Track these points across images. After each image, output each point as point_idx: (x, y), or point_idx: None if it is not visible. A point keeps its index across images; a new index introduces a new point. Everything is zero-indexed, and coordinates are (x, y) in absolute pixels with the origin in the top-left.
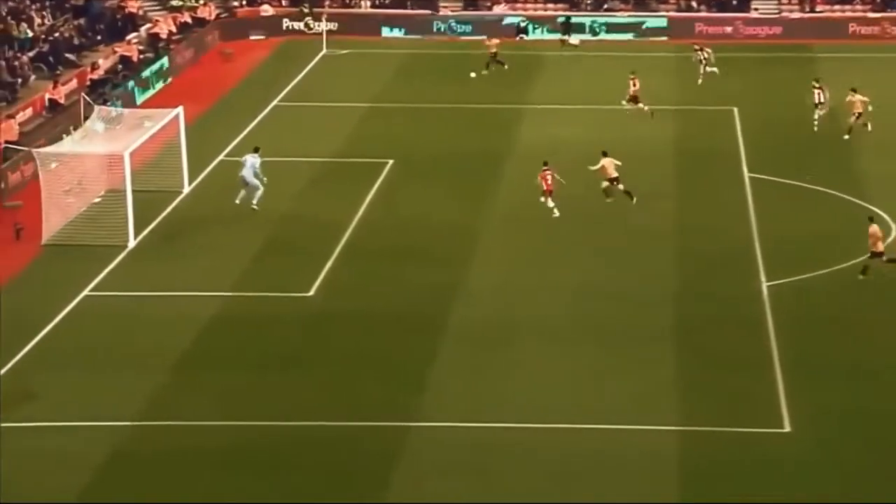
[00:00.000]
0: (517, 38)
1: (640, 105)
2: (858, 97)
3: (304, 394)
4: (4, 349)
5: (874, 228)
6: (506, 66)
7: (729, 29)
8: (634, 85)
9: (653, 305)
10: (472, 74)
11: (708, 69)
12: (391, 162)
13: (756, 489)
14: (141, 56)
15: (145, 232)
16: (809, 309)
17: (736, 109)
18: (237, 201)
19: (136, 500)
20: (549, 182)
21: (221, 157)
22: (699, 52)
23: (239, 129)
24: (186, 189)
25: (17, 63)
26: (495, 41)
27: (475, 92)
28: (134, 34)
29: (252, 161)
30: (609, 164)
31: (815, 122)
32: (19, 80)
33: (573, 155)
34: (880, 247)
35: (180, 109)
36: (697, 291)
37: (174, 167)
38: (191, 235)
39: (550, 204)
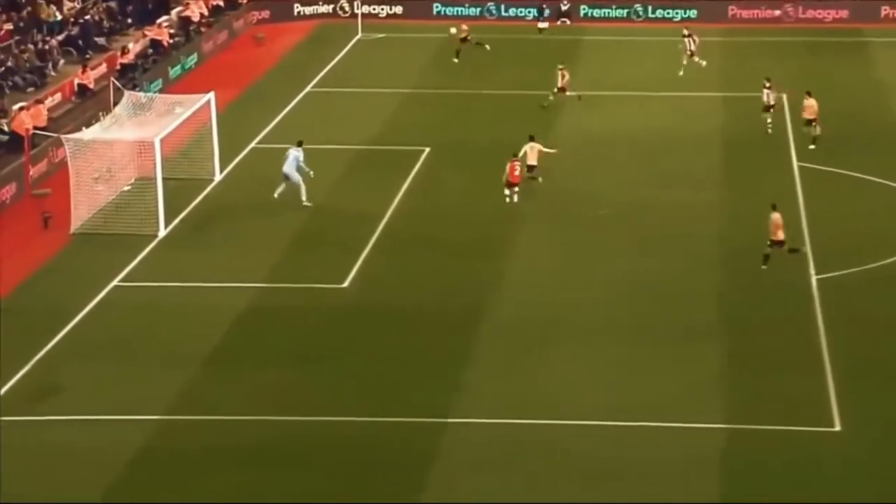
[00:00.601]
0: (559, 23)
1: (568, 93)
2: (812, 101)
3: (336, 389)
4: (32, 341)
5: (776, 216)
6: (487, 47)
7: (777, 12)
8: (563, 77)
9: (696, 300)
10: (455, 60)
11: (696, 59)
12: (428, 150)
13: (803, 490)
14: (172, 40)
15: (176, 221)
16: (860, 304)
17: (785, 97)
18: (275, 195)
19: (165, 498)
20: (517, 174)
21: (254, 144)
22: (687, 39)
23: (272, 116)
24: (218, 177)
25: (45, 47)
26: (464, 27)
27: (516, 78)
28: (165, 17)
29: (295, 155)
30: (531, 151)
31: (769, 126)
32: (48, 65)
33: (613, 143)
34: (780, 235)
35: (212, 95)
36: (743, 285)
37: (205, 154)
38: (222, 225)
39: (516, 197)
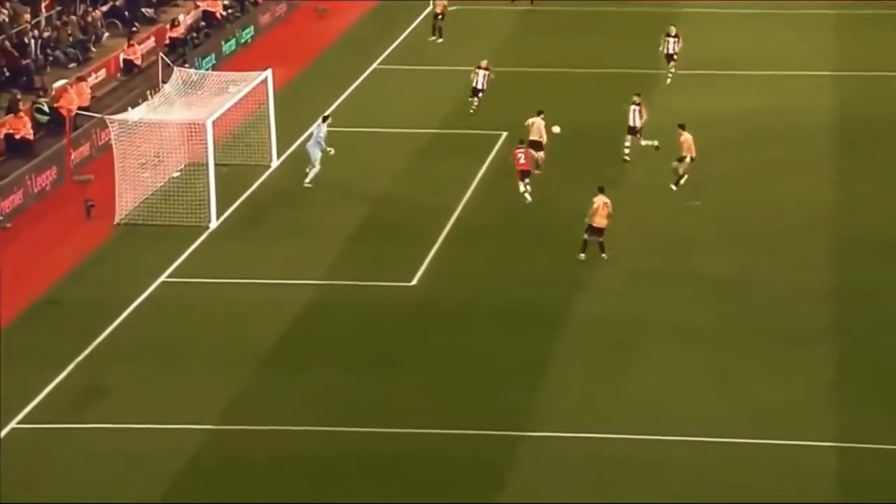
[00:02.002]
0: None
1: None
2: (687, 135)
3: (403, 397)
4: (74, 341)
5: (601, 199)
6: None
7: None
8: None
9: (804, 300)
10: (432, 38)
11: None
12: (505, 134)
13: None
14: (226, 11)
15: (229, 211)
16: None
17: None
18: (306, 183)
19: None
20: (523, 161)
21: (314, 127)
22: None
23: (334, 95)
24: (275, 163)
25: (89, 19)
26: (442, 2)
27: (604, 54)
28: None
29: (317, 131)
30: (534, 127)
31: (626, 152)
32: (91, 39)
33: (708, 127)
34: (601, 223)
35: (269, 73)
36: (859, 286)
37: (261, 138)
38: (279, 215)
39: (522, 189)
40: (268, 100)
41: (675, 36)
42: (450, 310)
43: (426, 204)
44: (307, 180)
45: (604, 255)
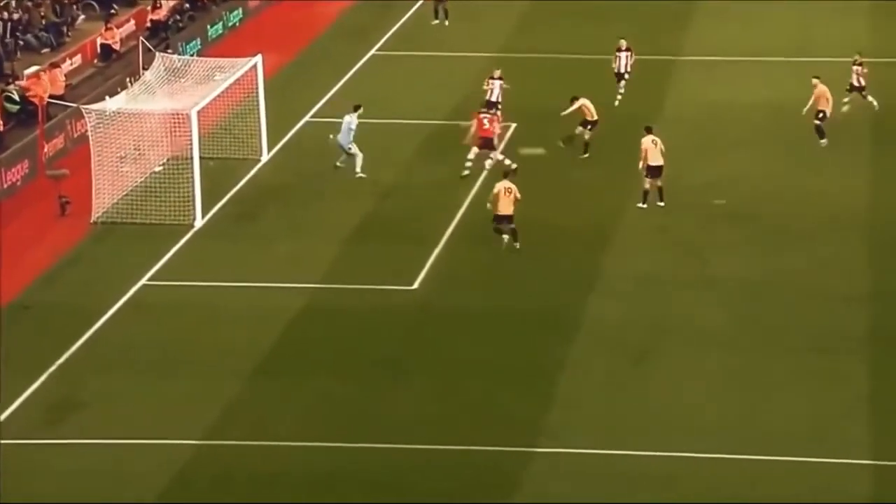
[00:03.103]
0: None
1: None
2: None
3: (406, 409)
4: (47, 349)
5: (503, 185)
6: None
7: None
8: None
9: (838, 305)
10: (435, 22)
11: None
12: (514, 125)
13: None
14: None
15: (215, 209)
16: None
17: None
18: (338, 163)
19: None
20: (487, 126)
21: (307, 117)
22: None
23: (329, 84)
24: (265, 157)
25: (63, 0)
26: None
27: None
28: None
29: (348, 121)
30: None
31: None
32: (66, 21)
33: (733, 119)
34: (505, 210)
35: (258, 59)
36: (894, 290)
37: (251, 130)
38: (271, 213)
39: (471, 156)
40: (257, 88)
41: (627, 50)
42: (454, 315)
43: (429, 201)
44: (358, 170)
45: (517, 244)
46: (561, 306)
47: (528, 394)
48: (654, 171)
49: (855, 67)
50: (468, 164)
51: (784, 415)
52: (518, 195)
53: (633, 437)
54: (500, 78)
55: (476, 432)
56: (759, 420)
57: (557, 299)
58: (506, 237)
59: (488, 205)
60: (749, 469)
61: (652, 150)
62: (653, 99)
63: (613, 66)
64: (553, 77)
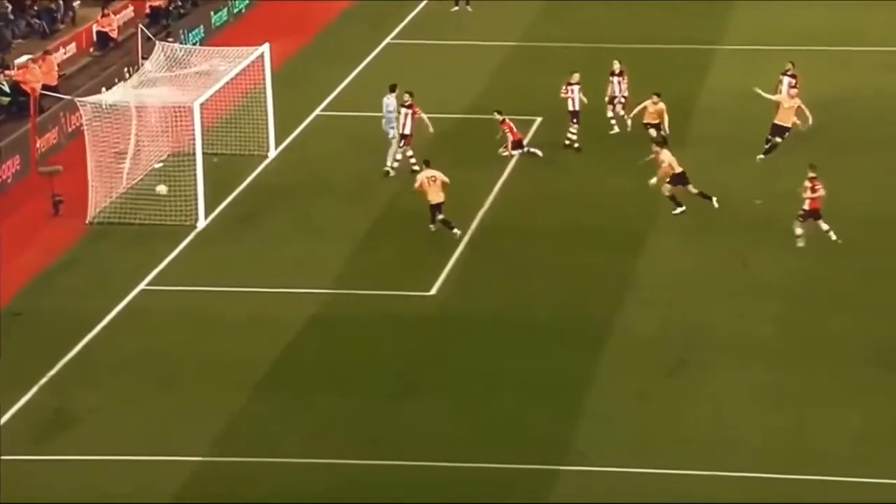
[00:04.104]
0: None
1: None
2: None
3: (422, 424)
4: (39, 359)
5: (424, 175)
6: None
7: None
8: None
9: (887, 316)
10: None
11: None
12: (539, 119)
13: None
14: None
15: (220, 208)
16: None
17: None
18: (389, 167)
19: None
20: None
21: (318, 111)
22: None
23: (341, 75)
24: (273, 153)
25: None
26: None
27: (653, 28)
28: None
29: (386, 103)
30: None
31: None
32: (60, 8)
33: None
34: (435, 198)
35: (265, 48)
36: None
37: (257, 124)
38: (278, 214)
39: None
40: (264, 79)
41: (620, 74)
42: (474, 323)
43: (447, 201)
44: (389, 162)
45: (456, 231)
46: (588, 315)
47: (554, 408)
48: (681, 179)
49: (785, 78)
50: (395, 163)
51: (832, 432)
52: (445, 179)
53: (667, 455)
54: (577, 83)
55: (498, 449)
56: (805, 437)
57: (584, 308)
58: (433, 227)
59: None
60: (794, 490)
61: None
62: (694, 88)
63: (607, 92)
64: (580, 68)
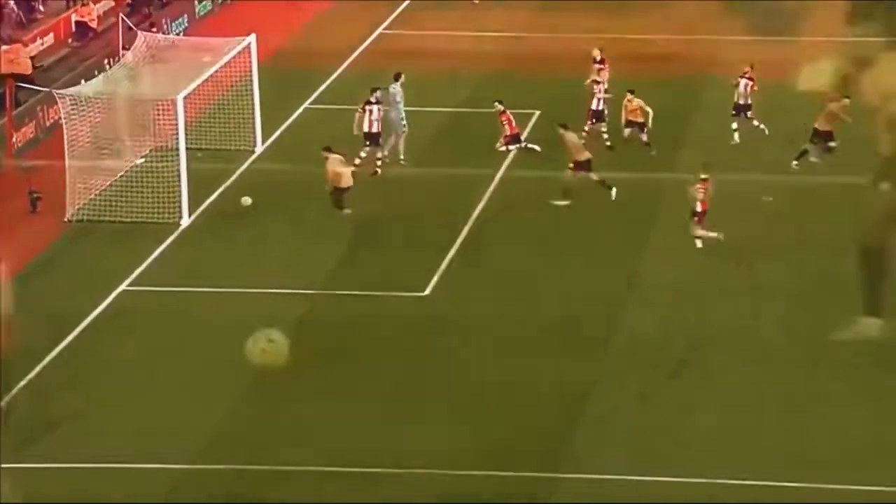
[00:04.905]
0: None
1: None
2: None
3: (416, 429)
4: (16, 360)
5: (338, 159)
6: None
7: None
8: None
9: None
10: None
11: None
12: (538, 113)
13: None
14: None
15: (204, 205)
16: None
17: None
18: (402, 160)
19: None
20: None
21: (307, 104)
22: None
23: (331, 67)
24: (259, 148)
25: None
26: None
27: (656, 20)
28: None
29: (393, 93)
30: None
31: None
32: None
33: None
34: (345, 182)
35: (252, 39)
36: None
37: (243, 118)
38: (266, 211)
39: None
40: (251, 71)
41: (601, 62)
42: (469, 325)
43: (442, 198)
44: (402, 155)
45: (347, 210)
46: (589, 317)
47: (554, 410)
48: (585, 166)
49: (742, 80)
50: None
51: (839, 438)
52: (337, 170)
53: (672, 463)
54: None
55: (496, 457)
56: (811, 443)
57: (585, 309)
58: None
59: (327, 186)
60: (799, 497)
61: (578, 144)
62: (700, 84)
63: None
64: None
